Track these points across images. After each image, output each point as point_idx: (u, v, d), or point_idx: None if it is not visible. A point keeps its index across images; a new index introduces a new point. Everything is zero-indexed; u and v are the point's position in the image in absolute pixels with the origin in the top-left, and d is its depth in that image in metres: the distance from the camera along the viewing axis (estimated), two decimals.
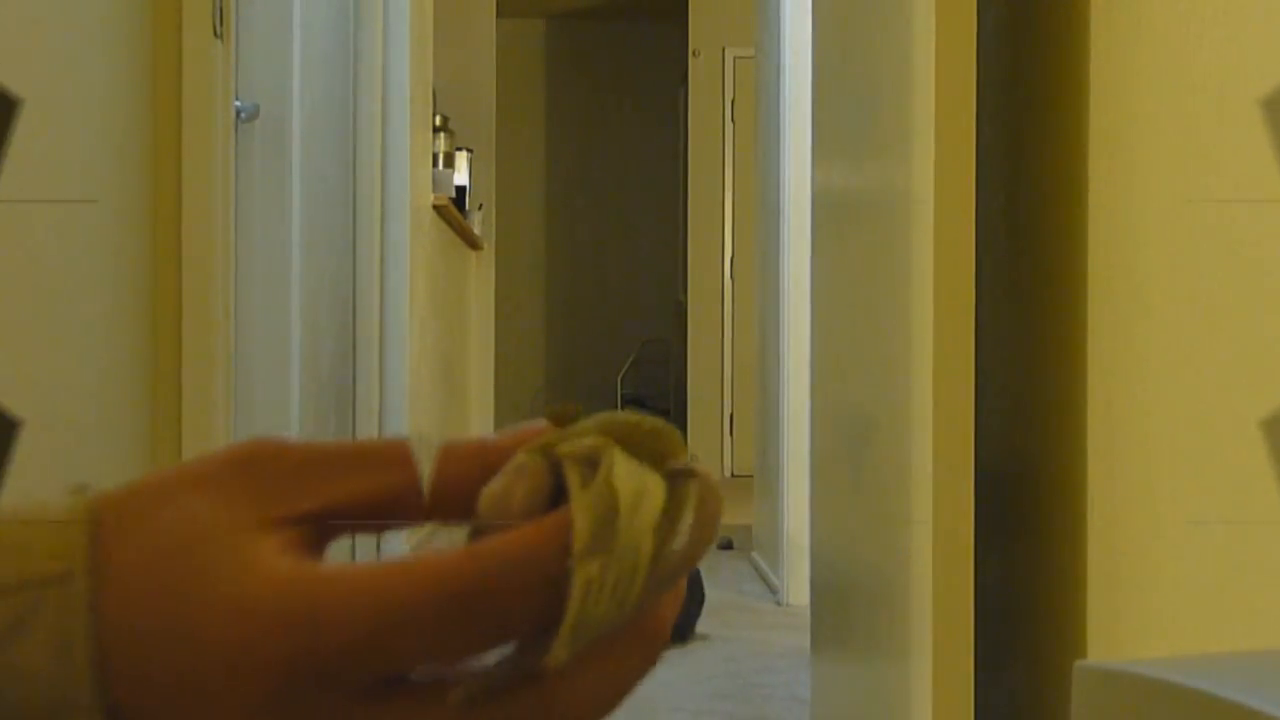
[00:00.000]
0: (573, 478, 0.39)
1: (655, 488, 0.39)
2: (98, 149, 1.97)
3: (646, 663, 0.41)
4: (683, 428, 8.85)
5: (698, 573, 3.64)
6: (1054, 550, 1.71)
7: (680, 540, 0.39)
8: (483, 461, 0.42)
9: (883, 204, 2.08)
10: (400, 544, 4.35)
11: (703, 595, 3.81)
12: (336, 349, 4.17)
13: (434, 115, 6.03)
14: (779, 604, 4.06)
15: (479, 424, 7.50)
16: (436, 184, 5.86)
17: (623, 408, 9.26)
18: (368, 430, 4.78)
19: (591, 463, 0.39)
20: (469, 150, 6.92)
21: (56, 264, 1.82)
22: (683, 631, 3.74)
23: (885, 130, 2.04)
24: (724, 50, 8.75)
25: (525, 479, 0.40)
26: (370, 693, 0.39)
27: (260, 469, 0.41)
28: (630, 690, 0.41)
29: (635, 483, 0.39)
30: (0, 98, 1.66)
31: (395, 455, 0.43)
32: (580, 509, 0.39)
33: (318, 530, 0.42)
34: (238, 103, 3.11)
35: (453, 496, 0.42)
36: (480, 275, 7.48)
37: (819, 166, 2.68)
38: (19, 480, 1.69)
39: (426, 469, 0.42)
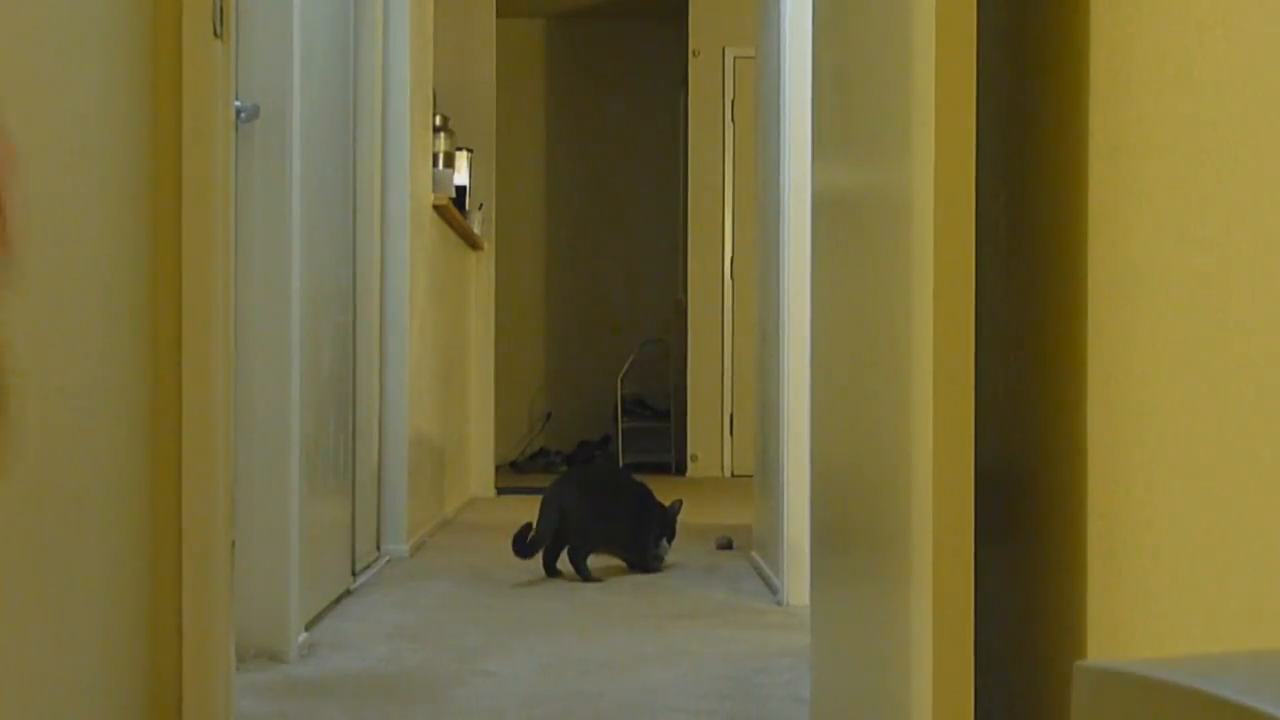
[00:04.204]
0: None
1: None
2: (98, 149, 1.97)
3: None
4: (683, 428, 8.85)
5: (671, 510, 4.66)
6: (1054, 550, 1.71)
7: None
8: None
9: (882, 204, 2.08)
10: None
11: (673, 532, 4.70)
12: (336, 349, 4.17)
13: (434, 115, 6.03)
14: (779, 604, 4.07)
15: (479, 424, 7.50)
16: (436, 184, 5.86)
17: (623, 408, 9.27)
18: (368, 429, 4.78)
19: None
20: (469, 150, 6.92)
21: (56, 263, 1.82)
22: (647, 563, 4.64)
23: (885, 130, 2.04)
24: (724, 50, 8.75)
25: None
26: None
27: None
28: None
29: None
30: None
31: None
32: None
33: None
34: (238, 103, 3.11)
35: None
36: (480, 275, 7.47)
37: (819, 166, 2.68)
38: (20, 480, 1.69)
39: None
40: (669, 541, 4.74)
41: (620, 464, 8.82)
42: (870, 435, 2.14)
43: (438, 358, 6.03)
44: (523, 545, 4.43)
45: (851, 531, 2.29)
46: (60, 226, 1.83)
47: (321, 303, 3.88)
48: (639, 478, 4.88)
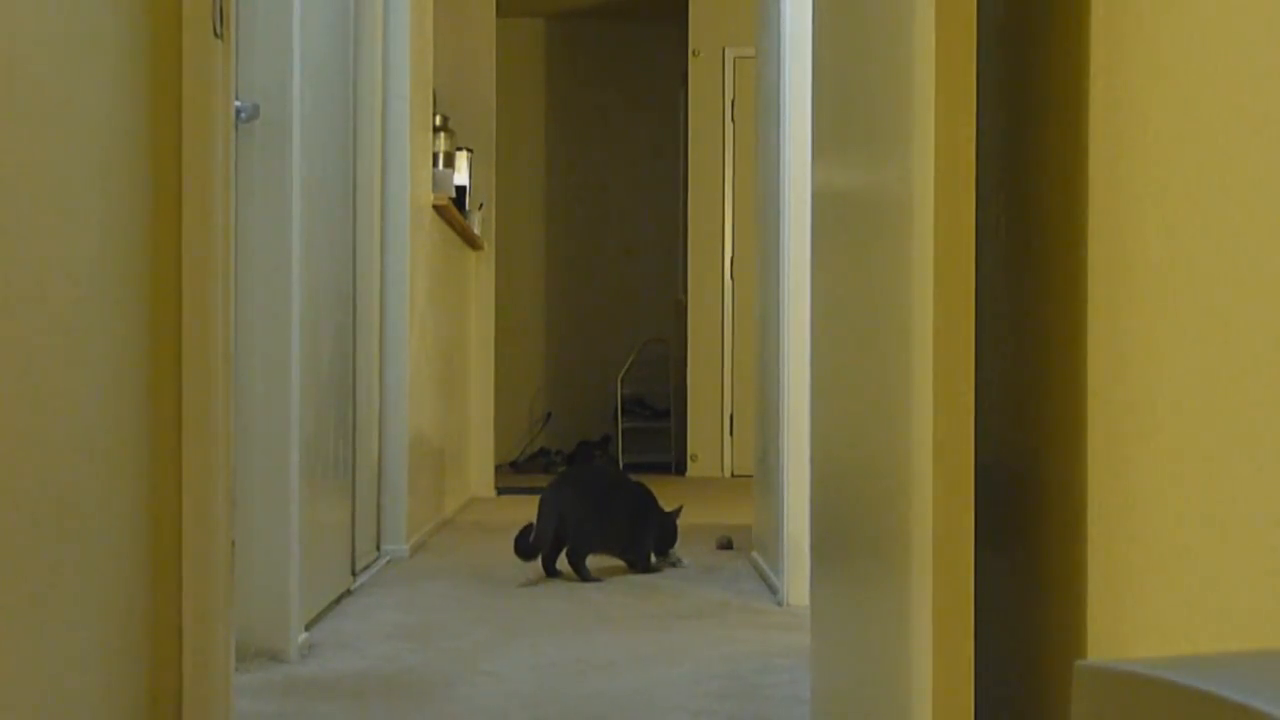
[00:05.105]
0: None
1: None
2: (98, 148, 1.97)
3: None
4: (683, 428, 8.85)
5: (672, 516, 4.72)
6: (1054, 550, 1.71)
7: None
8: None
9: (882, 204, 2.08)
10: None
11: (674, 538, 4.73)
12: (336, 349, 4.17)
13: (434, 115, 6.02)
14: (779, 604, 4.07)
15: (479, 424, 7.50)
16: (436, 184, 5.86)
17: (623, 408, 9.27)
18: (368, 429, 4.78)
19: None
20: (469, 150, 6.92)
21: (54, 263, 1.82)
22: (645, 562, 4.66)
23: (885, 130, 2.04)
24: (724, 50, 8.75)
25: None
26: None
27: None
28: None
29: None
30: None
31: None
32: None
33: None
34: (238, 103, 3.11)
35: None
36: (480, 275, 7.47)
37: (819, 166, 2.68)
38: (18, 480, 1.69)
39: None
40: (671, 548, 4.76)
41: (620, 464, 8.82)
42: (870, 435, 2.14)
43: (438, 358, 6.03)
44: (524, 546, 4.45)
45: (851, 531, 2.29)
46: (59, 226, 1.83)
47: (321, 303, 3.88)
48: (639, 478, 4.90)
